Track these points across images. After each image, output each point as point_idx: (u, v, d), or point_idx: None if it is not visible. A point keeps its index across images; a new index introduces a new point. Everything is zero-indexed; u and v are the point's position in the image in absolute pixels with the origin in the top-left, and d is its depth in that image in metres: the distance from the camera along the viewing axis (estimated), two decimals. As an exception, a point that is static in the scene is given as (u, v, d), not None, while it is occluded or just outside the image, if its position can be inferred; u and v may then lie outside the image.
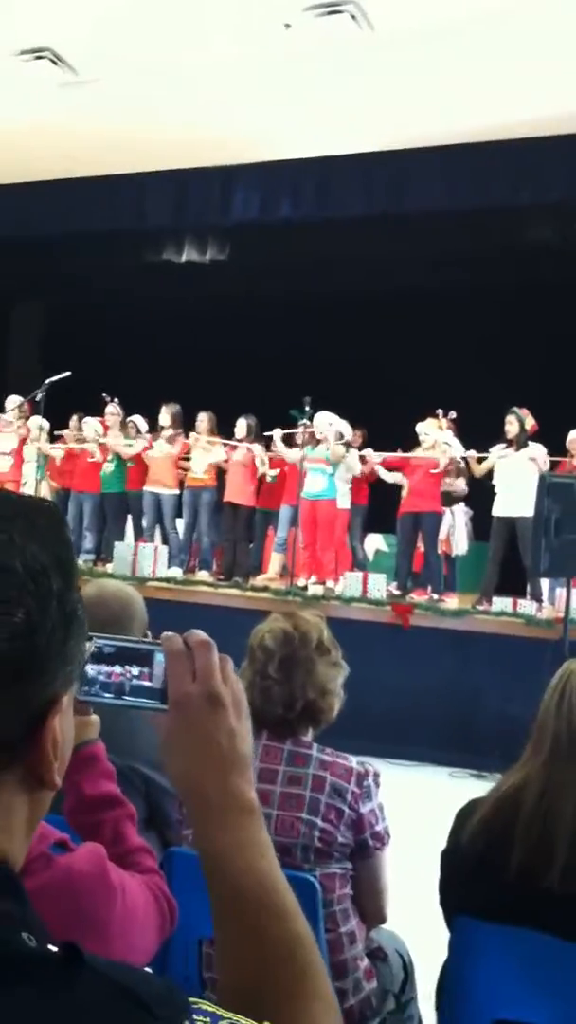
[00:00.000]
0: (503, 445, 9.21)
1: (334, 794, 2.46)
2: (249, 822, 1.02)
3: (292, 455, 9.92)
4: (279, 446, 10.19)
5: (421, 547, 9.77)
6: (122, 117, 9.88)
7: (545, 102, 8.88)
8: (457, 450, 9.66)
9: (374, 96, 9.15)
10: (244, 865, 1.00)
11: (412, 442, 10.04)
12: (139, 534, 10.73)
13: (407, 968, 2.69)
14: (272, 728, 2.52)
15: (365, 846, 2.49)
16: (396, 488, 9.89)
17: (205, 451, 10.39)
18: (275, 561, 10.71)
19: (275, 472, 10.53)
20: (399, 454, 9.92)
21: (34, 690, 0.82)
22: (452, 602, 9.22)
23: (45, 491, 11.03)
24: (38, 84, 9.58)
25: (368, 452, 10.08)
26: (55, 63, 9.37)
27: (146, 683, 1.07)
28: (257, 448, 10.19)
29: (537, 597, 8.67)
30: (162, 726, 1.05)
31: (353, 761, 2.55)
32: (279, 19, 8.47)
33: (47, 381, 10.13)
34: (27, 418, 11.25)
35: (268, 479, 10.41)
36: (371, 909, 2.55)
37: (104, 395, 11.13)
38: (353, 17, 8.31)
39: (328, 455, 9.50)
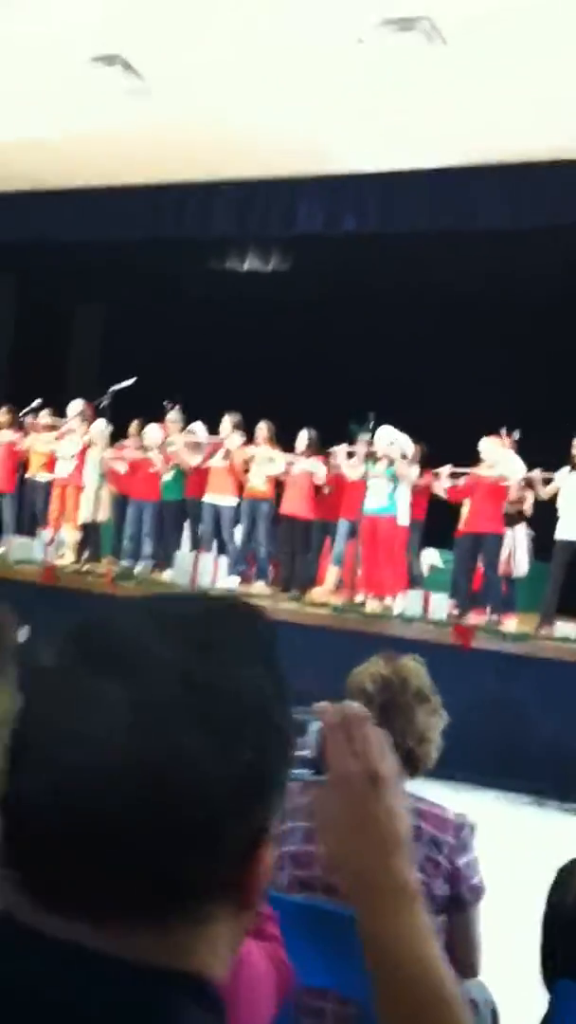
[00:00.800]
0: (568, 468, 9.11)
1: (431, 845, 2.43)
2: (413, 906, 0.99)
3: (354, 474, 9.88)
4: (342, 464, 10.16)
5: (480, 565, 9.68)
6: (190, 125, 9.91)
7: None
8: (519, 470, 9.56)
9: (443, 112, 9.11)
10: (411, 953, 0.98)
11: (473, 460, 10.00)
12: (196, 542, 10.76)
13: (496, 1021, 2.66)
14: None
15: (461, 899, 2.46)
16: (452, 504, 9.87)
17: (264, 462, 10.38)
18: (331, 574, 10.68)
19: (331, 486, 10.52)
20: (463, 474, 9.84)
21: (254, 823, 0.81)
22: (511, 623, 9.14)
23: (105, 496, 11.05)
24: (107, 91, 9.65)
25: (436, 482, 9.98)
26: (125, 69, 9.43)
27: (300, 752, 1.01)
28: (317, 465, 10.15)
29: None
30: (320, 804, 1.03)
31: (450, 812, 2.51)
32: (352, 34, 8.48)
33: (112, 388, 10.18)
34: (90, 422, 11.28)
35: (325, 491, 10.37)
36: (465, 962, 2.52)
37: (166, 401, 11.16)
38: (426, 34, 8.30)
39: (390, 472, 9.45)
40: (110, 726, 0.73)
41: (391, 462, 9.53)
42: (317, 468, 10.17)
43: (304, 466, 10.19)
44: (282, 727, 0.80)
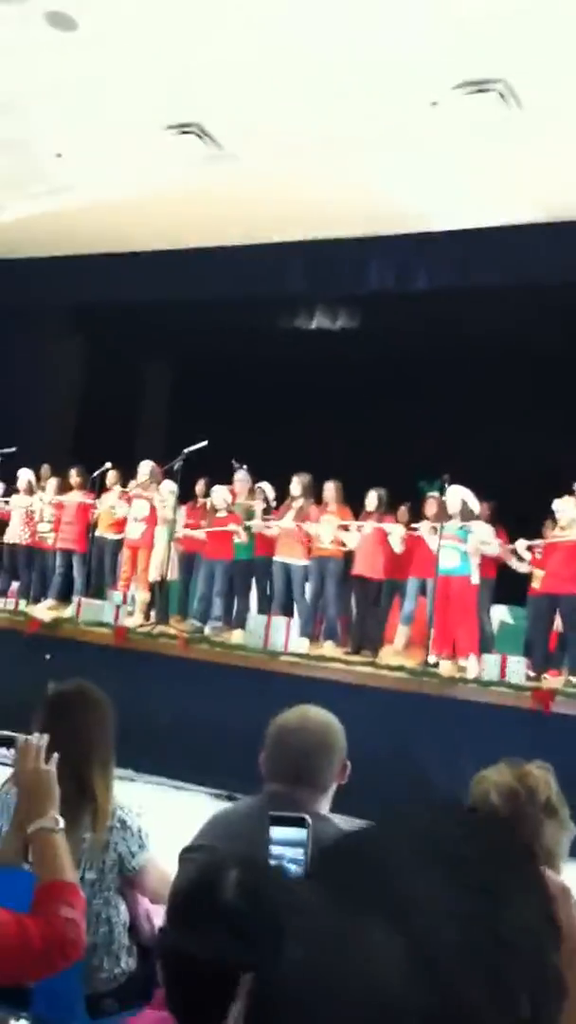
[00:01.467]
0: None
1: None
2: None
3: (433, 542, 9.75)
4: (423, 533, 10.07)
5: (555, 626, 9.52)
6: (263, 190, 9.99)
7: None
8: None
9: (515, 171, 9.12)
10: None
11: (544, 515, 9.89)
12: (265, 603, 10.70)
13: None
14: None
15: None
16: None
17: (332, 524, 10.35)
18: (401, 634, 10.57)
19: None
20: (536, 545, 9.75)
21: None
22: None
23: (174, 556, 11.06)
24: (184, 157, 9.78)
25: (517, 555, 9.89)
26: (200, 138, 9.55)
27: None
28: (396, 529, 10.07)
29: None
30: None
31: None
32: (427, 97, 8.53)
33: (185, 451, 10.18)
34: (159, 483, 11.32)
35: (398, 551, 10.28)
36: None
37: (233, 461, 11.16)
38: (501, 96, 8.31)
39: (463, 533, 9.35)
40: (383, 974, 0.68)
41: (463, 522, 9.43)
42: (396, 530, 10.08)
43: (375, 526, 10.11)
44: (559, 978, 0.74)
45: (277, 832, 1.95)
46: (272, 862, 1.92)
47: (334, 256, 11.01)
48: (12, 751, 2.57)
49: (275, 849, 1.94)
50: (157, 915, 3.27)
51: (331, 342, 12.45)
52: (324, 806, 2.83)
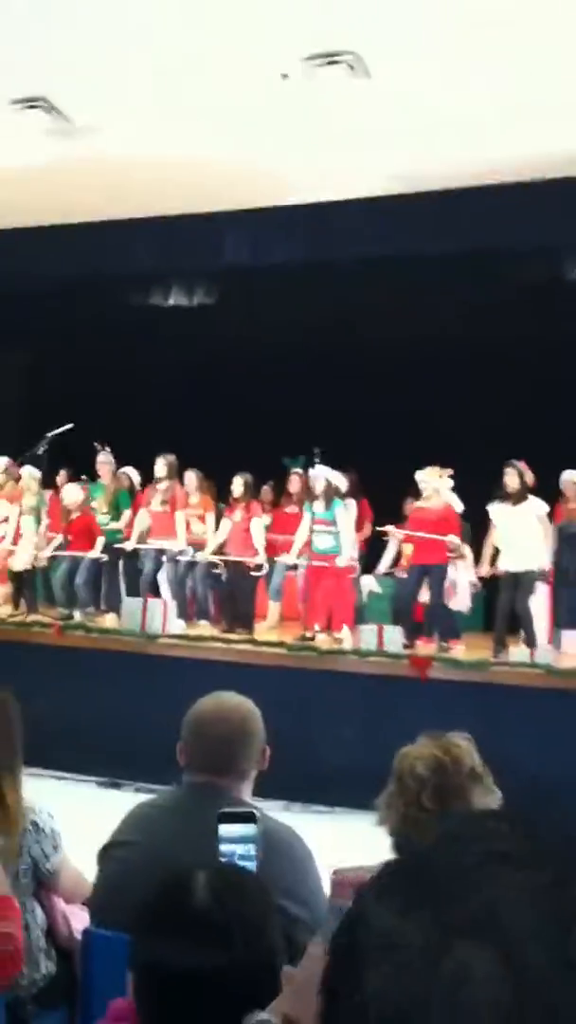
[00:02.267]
0: (498, 500, 9.10)
1: None
2: None
3: (300, 536, 9.77)
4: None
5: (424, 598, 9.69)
6: (113, 162, 9.79)
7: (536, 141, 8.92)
8: (456, 503, 9.59)
9: (365, 143, 9.15)
10: None
11: (407, 490, 10.07)
12: (133, 587, 10.57)
13: None
14: None
15: None
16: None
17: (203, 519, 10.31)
18: (273, 609, 10.61)
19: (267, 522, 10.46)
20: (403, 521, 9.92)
21: None
22: (460, 649, 9.16)
23: (39, 545, 10.80)
24: (30, 131, 9.50)
25: (391, 530, 10.01)
26: (48, 111, 9.29)
27: None
28: (257, 527, 10.05)
29: (532, 644, 8.66)
30: None
31: None
32: (277, 69, 8.47)
33: (48, 434, 9.97)
34: (16, 479, 11.03)
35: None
36: None
37: (96, 443, 10.96)
38: (351, 67, 8.32)
39: (330, 515, 9.43)
40: (478, 993, 0.64)
41: (329, 501, 9.50)
42: (257, 528, 10.05)
43: (242, 513, 10.08)
44: None
45: (226, 829, 1.92)
46: (223, 859, 1.90)
47: (187, 232, 10.88)
48: None
49: (225, 847, 1.91)
50: (74, 916, 3.20)
51: (187, 319, 12.32)
52: (246, 793, 2.80)
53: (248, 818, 1.94)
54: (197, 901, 1.52)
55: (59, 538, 10.64)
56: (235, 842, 1.91)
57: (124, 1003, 1.83)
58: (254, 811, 1.98)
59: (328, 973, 0.74)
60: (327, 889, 2.59)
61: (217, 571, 10.31)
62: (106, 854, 2.79)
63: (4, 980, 2.16)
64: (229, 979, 1.44)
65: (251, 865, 1.87)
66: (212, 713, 2.82)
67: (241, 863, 1.87)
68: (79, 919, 3.17)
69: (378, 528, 10.30)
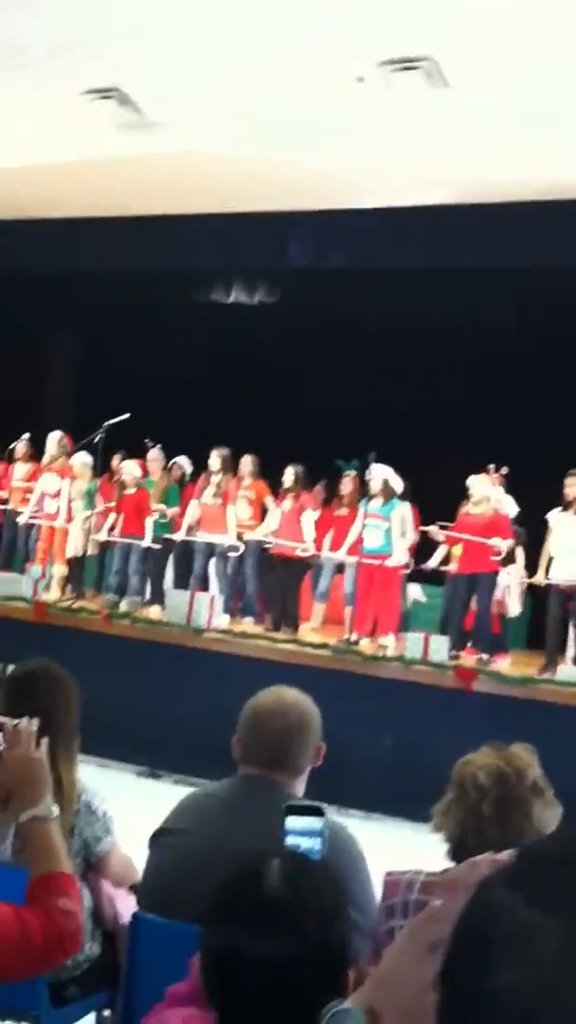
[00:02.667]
0: (559, 508, 9.07)
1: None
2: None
3: (352, 532, 9.78)
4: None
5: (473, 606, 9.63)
6: (182, 158, 9.83)
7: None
8: (509, 508, 9.55)
9: (437, 151, 9.13)
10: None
11: (462, 496, 10.00)
12: (182, 579, 10.61)
13: None
14: None
15: None
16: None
17: (253, 502, 10.31)
18: (317, 611, 10.59)
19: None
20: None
21: None
22: (504, 663, 9.11)
23: (91, 531, 10.89)
24: (100, 123, 9.57)
25: (432, 530, 9.97)
26: (121, 104, 9.35)
27: None
28: (307, 519, 10.06)
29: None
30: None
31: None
32: (352, 72, 8.47)
33: (106, 424, 10.02)
34: (69, 455, 11.12)
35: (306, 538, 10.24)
36: None
37: (147, 441, 11.02)
38: (428, 74, 8.30)
39: (386, 511, 9.42)
40: None
41: (387, 499, 9.49)
42: (307, 520, 10.05)
43: (292, 502, 10.09)
44: None
45: (292, 822, 1.93)
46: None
47: (253, 231, 10.91)
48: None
49: (291, 839, 1.92)
50: (119, 899, 3.22)
51: (248, 318, 12.36)
52: (300, 789, 2.81)
53: (315, 812, 1.94)
54: (271, 888, 1.53)
55: (111, 518, 10.70)
56: (300, 835, 1.92)
57: (183, 988, 1.84)
58: (322, 806, 1.99)
59: (450, 962, 0.74)
60: (377, 891, 2.61)
61: (267, 552, 10.33)
62: (157, 840, 2.81)
63: (63, 958, 2.18)
64: (300, 967, 1.45)
65: (315, 860, 1.88)
66: (271, 707, 2.82)
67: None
68: (124, 903, 3.19)
69: (421, 528, 10.24)
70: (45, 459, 11.25)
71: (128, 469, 10.61)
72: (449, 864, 2.46)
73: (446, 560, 10.20)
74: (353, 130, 9.08)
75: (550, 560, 9.06)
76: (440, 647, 8.50)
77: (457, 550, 9.80)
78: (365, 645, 9.10)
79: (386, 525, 9.42)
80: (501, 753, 2.48)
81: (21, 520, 11.23)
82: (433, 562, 10.17)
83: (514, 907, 0.71)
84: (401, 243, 10.24)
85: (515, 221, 9.63)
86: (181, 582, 10.51)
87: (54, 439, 11.23)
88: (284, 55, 8.28)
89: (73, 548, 10.81)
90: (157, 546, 10.41)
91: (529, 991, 0.67)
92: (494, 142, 8.76)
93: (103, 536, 10.71)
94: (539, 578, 9.21)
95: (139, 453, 11.01)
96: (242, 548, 10.25)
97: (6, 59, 8.85)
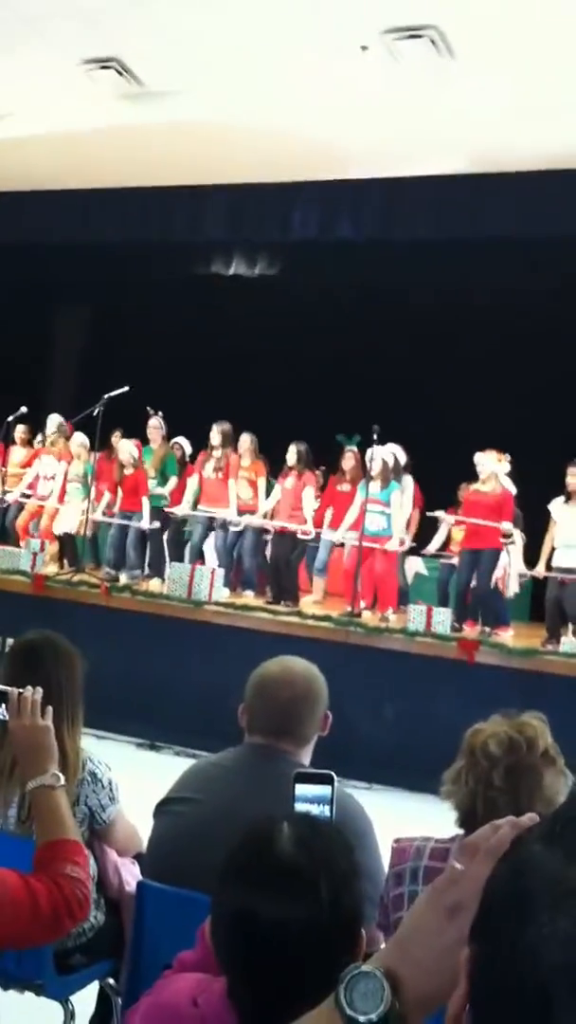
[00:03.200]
0: (562, 499, 9.07)
1: None
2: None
3: (350, 514, 9.77)
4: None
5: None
6: (185, 129, 9.75)
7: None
8: (511, 488, 9.51)
9: (443, 121, 9.05)
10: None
11: (466, 471, 9.97)
12: (179, 553, 10.61)
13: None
14: None
15: None
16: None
17: (252, 483, 10.29)
18: (317, 584, 10.60)
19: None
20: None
21: None
22: (507, 635, 9.13)
23: (86, 506, 10.86)
24: (101, 93, 9.51)
25: (442, 515, 10.00)
26: (120, 74, 9.29)
27: None
28: (308, 495, 10.04)
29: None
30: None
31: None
32: (356, 41, 8.39)
33: (105, 396, 9.97)
34: (68, 438, 11.11)
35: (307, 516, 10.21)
36: None
37: (148, 408, 10.97)
38: (433, 42, 8.22)
39: (385, 495, 9.41)
40: None
41: (386, 482, 9.47)
42: (308, 497, 10.03)
43: (294, 480, 10.07)
44: None
45: (302, 789, 1.93)
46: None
47: (256, 201, 10.85)
48: (4, 708, 2.48)
49: (300, 806, 1.91)
50: (124, 868, 3.22)
51: (249, 289, 12.30)
52: (306, 758, 2.80)
53: (325, 779, 1.94)
54: (284, 850, 1.52)
55: (107, 497, 10.68)
56: (310, 802, 1.92)
57: (192, 955, 1.83)
58: (331, 773, 1.98)
59: (486, 917, 0.73)
60: (384, 859, 2.61)
61: (266, 537, 10.33)
62: (162, 809, 2.80)
63: (72, 925, 2.17)
64: (314, 929, 1.44)
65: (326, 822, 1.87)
66: (277, 677, 2.81)
67: None
68: (129, 871, 3.19)
69: (429, 513, 10.25)
70: (41, 441, 11.26)
71: (125, 448, 10.58)
72: (458, 831, 2.45)
73: (445, 544, 10.21)
74: (358, 99, 9.00)
75: (552, 551, 9.08)
76: (443, 619, 8.50)
77: (458, 533, 9.81)
78: (367, 617, 9.10)
79: (387, 510, 9.42)
80: (512, 722, 2.47)
81: (10, 498, 11.24)
82: (432, 546, 10.17)
83: (552, 862, 0.70)
84: (407, 214, 10.17)
85: (522, 191, 9.55)
86: (176, 556, 10.48)
87: (54, 422, 11.21)
88: (286, 24, 8.20)
89: (65, 525, 10.82)
90: (156, 525, 10.39)
91: (567, 946, 0.66)
92: (500, 111, 8.69)
93: (99, 515, 10.69)
94: (539, 570, 9.24)
95: (138, 429, 10.96)
96: (241, 524, 10.23)
97: (6, 30, 8.79)
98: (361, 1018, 1.04)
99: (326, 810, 1.91)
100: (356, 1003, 1.05)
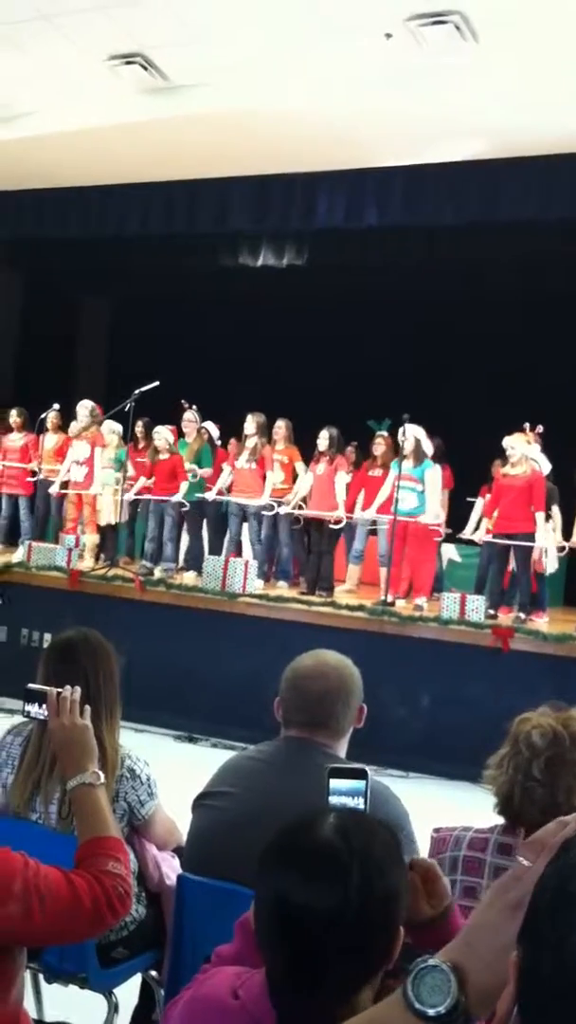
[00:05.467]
0: None
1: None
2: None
3: (383, 491, 9.79)
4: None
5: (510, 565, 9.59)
6: (209, 120, 9.74)
7: None
8: (544, 467, 9.48)
9: (468, 106, 8.99)
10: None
11: (495, 455, 9.95)
12: (216, 544, 10.65)
13: None
14: (530, 829, 2.41)
15: None
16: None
17: (286, 466, 10.29)
18: (352, 573, 10.61)
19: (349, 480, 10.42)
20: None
21: None
22: (542, 621, 9.10)
23: (121, 498, 10.93)
24: (125, 88, 9.54)
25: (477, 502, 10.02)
26: (145, 68, 9.31)
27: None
28: (340, 479, 10.05)
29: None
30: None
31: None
32: (380, 28, 8.36)
33: (136, 391, 10.00)
34: (99, 423, 11.13)
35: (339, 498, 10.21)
36: None
37: (183, 401, 11.00)
38: (457, 28, 8.18)
39: (419, 472, 9.38)
40: None
41: (419, 460, 9.45)
42: (340, 480, 10.05)
43: (326, 465, 10.08)
44: None
45: (336, 783, 1.95)
46: None
47: (282, 192, 10.82)
48: (43, 708, 2.52)
49: (334, 799, 1.93)
50: (164, 861, 3.25)
51: (278, 279, 12.29)
52: (342, 750, 2.82)
53: (359, 774, 1.96)
54: (321, 835, 1.54)
55: (141, 481, 10.73)
56: (344, 795, 1.94)
57: (230, 948, 1.85)
58: (364, 768, 1.99)
59: (531, 920, 0.75)
60: (423, 848, 2.62)
61: (297, 526, 10.35)
62: (201, 803, 2.82)
63: (114, 920, 2.20)
64: (343, 915, 1.46)
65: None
66: (312, 670, 2.83)
67: None
68: (169, 865, 3.22)
69: (469, 499, 10.24)
70: (74, 427, 11.28)
71: (162, 435, 10.61)
72: (497, 819, 2.47)
73: (478, 526, 10.19)
74: (382, 88, 8.96)
75: None
76: (477, 606, 8.48)
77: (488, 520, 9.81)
78: (401, 606, 9.09)
79: (420, 487, 9.38)
80: (560, 715, 2.47)
81: (52, 490, 11.28)
82: (468, 530, 10.14)
83: None
84: (432, 200, 10.10)
85: (547, 175, 9.48)
86: (214, 549, 10.52)
87: (85, 408, 11.24)
88: (310, 14, 8.18)
89: (106, 516, 10.87)
90: (187, 505, 10.41)
91: None
92: (524, 95, 8.63)
93: (132, 495, 10.73)
94: (575, 541, 9.20)
95: (170, 420, 10.99)
96: (275, 509, 10.25)
97: (30, 28, 8.84)
98: (430, 1011, 1.06)
99: (360, 803, 1.93)
100: (423, 996, 1.07)
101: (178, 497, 10.34)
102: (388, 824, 1.70)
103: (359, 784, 1.95)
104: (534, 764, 2.38)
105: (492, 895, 1.09)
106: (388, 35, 8.42)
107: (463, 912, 2.38)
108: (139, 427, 11.20)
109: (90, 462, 10.93)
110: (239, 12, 8.26)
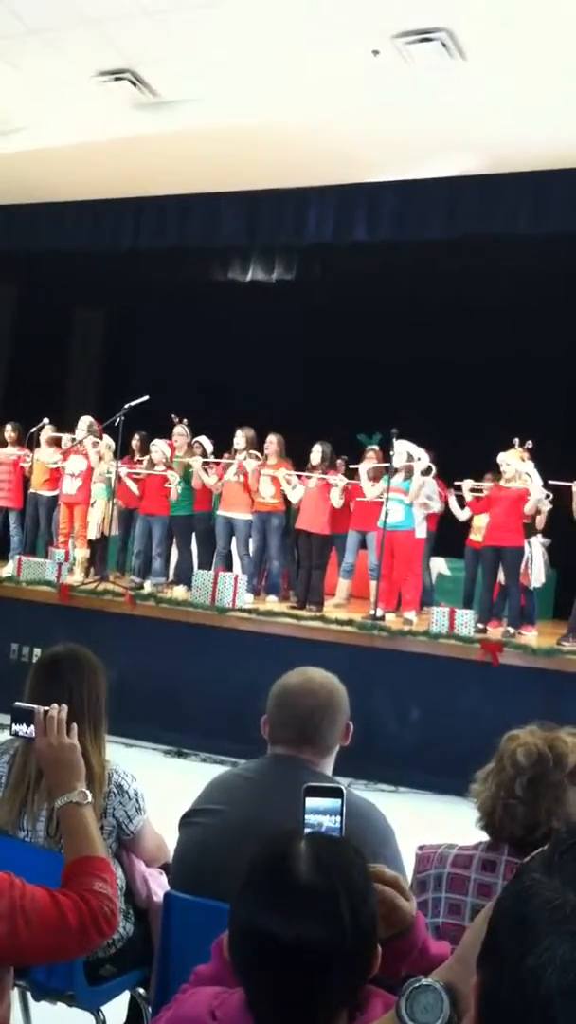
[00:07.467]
0: None
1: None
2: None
3: (373, 491, 9.87)
4: (364, 486, 10.13)
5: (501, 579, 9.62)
6: (199, 136, 9.79)
7: None
8: (537, 483, 9.51)
9: (455, 123, 9.05)
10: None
11: (486, 470, 9.99)
12: (207, 557, 10.67)
13: None
14: (513, 845, 2.42)
15: None
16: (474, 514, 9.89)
17: (276, 480, 10.31)
18: (342, 587, 10.63)
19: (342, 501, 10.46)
20: (480, 489, 9.85)
21: None
22: (531, 635, 9.12)
23: (112, 512, 10.96)
24: (116, 104, 9.59)
25: (455, 494, 10.00)
26: (134, 84, 9.36)
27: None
28: (339, 481, 10.08)
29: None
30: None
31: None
32: (368, 45, 8.42)
33: (126, 405, 10.03)
34: (98, 439, 11.17)
35: (339, 506, 10.27)
36: None
37: (173, 416, 11.03)
38: (444, 45, 8.24)
39: (407, 485, 9.41)
40: None
41: (408, 476, 9.48)
42: (338, 482, 10.09)
43: (318, 480, 10.11)
44: None
45: (312, 802, 1.95)
46: (307, 830, 1.91)
47: (272, 206, 10.86)
48: (31, 727, 2.52)
49: (311, 818, 1.94)
50: (152, 878, 3.25)
51: (269, 293, 12.33)
52: (328, 767, 2.82)
53: (334, 793, 1.96)
54: (302, 871, 1.54)
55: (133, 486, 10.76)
56: (320, 814, 1.94)
57: (208, 968, 1.86)
58: (341, 786, 2.01)
59: (492, 941, 0.76)
60: (408, 865, 2.63)
61: (288, 539, 10.40)
62: (188, 820, 2.83)
63: (100, 940, 2.21)
64: (335, 948, 1.46)
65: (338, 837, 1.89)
66: (298, 687, 2.83)
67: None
68: (157, 882, 3.23)
69: (456, 483, 10.23)
70: (66, 441, 11.30)
71: (158, 449, 10.66)
72: (482, 835, 2.48)
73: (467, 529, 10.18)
74: (370, 104, 9.01)
75: None
76: (467, 620, 8.50)
77: (480, 521, 9.81)
78: (391, 620, 9.11)
79: (407, 500, 9.42)
80: (547, 734, 2.47)
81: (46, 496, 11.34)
82: (453, 506, 10.13)
83: (551, 889, 0.73)
84: (421, 215, 10.15)
85: (536, 190, 9.53)
86: (204, 563, 10.54)
87: (84, 423, 11.26)
88: (298, 30, 8.23)
89: (95, 530, 10.89)
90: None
91: (566, 969, 0.69)
92: (512, 111, 8.69)
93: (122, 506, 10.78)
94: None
95: (161, 434, 11.02)
96: (263, 525, 10.29)
97: (20, 44, 8.88)
98: None
99: (337, 821, 1.94)
100: (417, 1015, 1.08)
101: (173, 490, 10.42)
102: (355, 845, 1.70)
103: (335, 803, 1.96)
104: (517, 782, 2.38)
105: (484, 915, 1.11)
106: (375, 52, 8.47)
107: (450, 929, 2.40)
108: (136, 440, 11.22)
109: (85, 476, 10.94)
110: (227, 29, 8.31)
